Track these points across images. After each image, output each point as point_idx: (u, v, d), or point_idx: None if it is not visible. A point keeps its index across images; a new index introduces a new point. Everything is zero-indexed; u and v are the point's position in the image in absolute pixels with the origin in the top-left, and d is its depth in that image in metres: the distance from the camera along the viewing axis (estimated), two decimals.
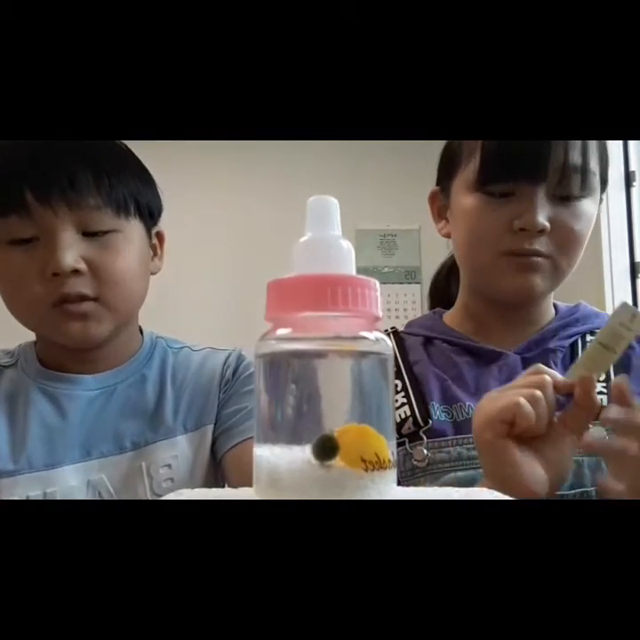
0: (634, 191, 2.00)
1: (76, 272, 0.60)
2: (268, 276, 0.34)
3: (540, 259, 0.63)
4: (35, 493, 0.63)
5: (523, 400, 0.49)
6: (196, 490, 0.37)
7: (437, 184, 0.75)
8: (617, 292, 2.06)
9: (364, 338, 0.32)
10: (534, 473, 0.49)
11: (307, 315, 0.32)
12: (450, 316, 0.77)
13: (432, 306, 0.85)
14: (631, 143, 1.99)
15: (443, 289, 0.84)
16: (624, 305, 0.52)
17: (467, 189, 0.66)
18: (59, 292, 0.60)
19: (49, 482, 0.63)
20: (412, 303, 2.72)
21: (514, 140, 0.60)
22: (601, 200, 0.68)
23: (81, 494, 0.64)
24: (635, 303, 2.09)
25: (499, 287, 0.66)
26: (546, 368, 0.53)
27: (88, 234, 0.61)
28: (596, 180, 0.64)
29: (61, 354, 0.68)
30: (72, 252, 0.60)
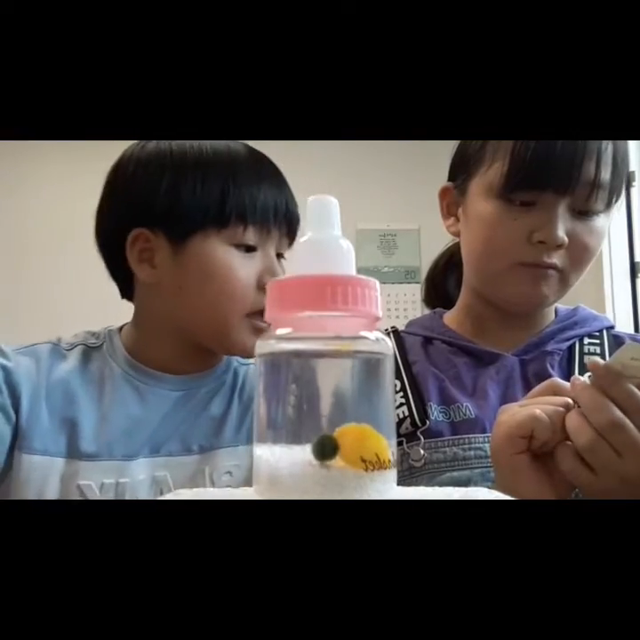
0: (634, 191, 2.00)
1: None
2: None
3: (552, 271, 0.63)
4: (109, 481, 0.64)
5: (540, 413, 0.49)
6: (196, 490, 0.37)
7: (450, 180, 0.73)
8: (617, 291, 2.06)
9: (364, 338, 0.32)
10: (542, 493, 0.50)
11: (307, 315, 0.32)
12: (450, 317, 0.77)
13: (428, 301, 0.85)
14: (631, 143, 1.99)
15: (440, 285, 0.83)
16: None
17: (486, 193, 0.65)
18: (260, 305, 0.64)
19: (123, 472, 0.64)
20: (411, 303, 2.71)
21: (542, 149, 0.60)
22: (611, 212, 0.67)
23: (146, 488, 0.65)
24: (635, 303, 2.09)
25: (508, 295, 0.66)
26: (561, 382, 0.53)
27: (278, 256, 0.68)
28: (615, 198, 0.64)
29: (169, 354, 0.69)
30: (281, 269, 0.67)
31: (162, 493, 0.66)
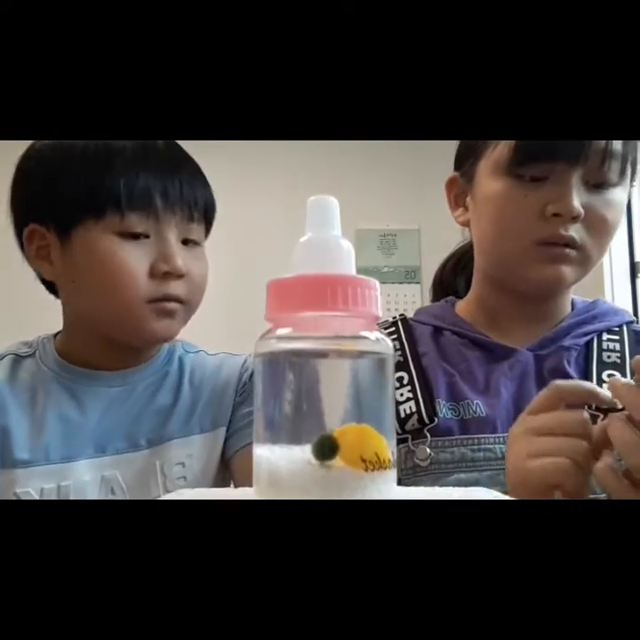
0: (634, 191, 2.00)
1: (180, 276, 0.64)
2: (269, 275, 0.34)
3: (571, 250, 0.60)
4: (49, 486, 0.63)
5: (570, 465, 0.45)
6: (196, 490, 0.37)
7: (456, 169, 0.71)
8: (617, 291, 2.06)
9: (364, 337, 0.32)
10: None
11: (307, 314, 0.32)
12: (462, 307, 0.74)
13: (435, 299, 0.81)
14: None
15: (448, 283, 0.81)
16: None
17: (494, 172, 0.62)
18: (161, 290, 0.64)
19: (64, 475, 0.64)
20: (411, 303, 2.71)
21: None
22: (633, 185, 0.65)
23: (94, 489, 0.65)
24: (634, 303, 2.09)
25: (526, 278, 0.63)
26: (567, 387, 0.49)
27: (186, 242, 0.67)
28: (629, 168, 0.62)
29: (96, 351, 0.68)
30: (180, 256, 0.64)
31: (113, 492, 0.65)
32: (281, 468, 0.30)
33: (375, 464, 0.30)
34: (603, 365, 0.64)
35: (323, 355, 0.32)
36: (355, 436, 0.31)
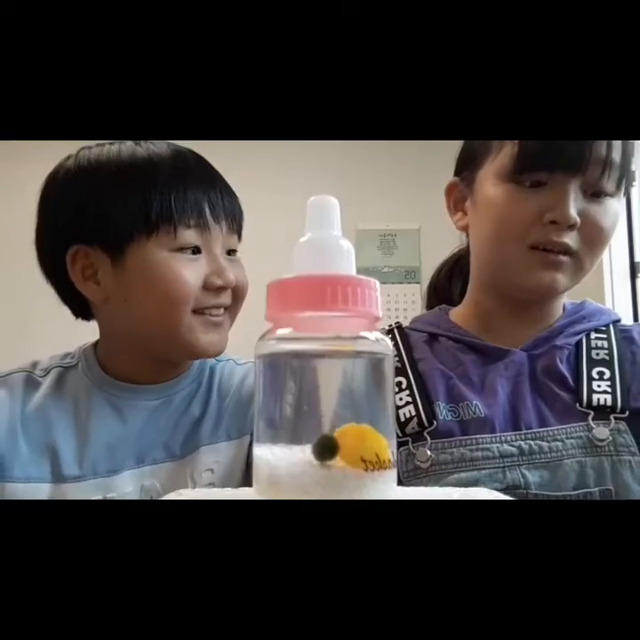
0: (634, 191, 2.00)
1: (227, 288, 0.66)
2: (268, 276, 0.34)
3: (565, 257, 0.62)
4: (96, 498, 0.64)
5: None
6: (197, 490, 0.37)
7: (456, 174, 0.72)
8: (617, 292, 2.05)
9: (364, 338, 0.32)
10: None
11: (307, 315, 0.32)
12: (456, 313, 0.76)
13: (429, 305, 0.83)
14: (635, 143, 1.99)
15: (443, 288, 0.82)
16: None
17: (496, 178, 0.64)
18: (211, 302, 0.65)
19: (109, 487, 0.65)
20: (411, 303, 2.71)
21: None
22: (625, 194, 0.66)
23: (136, 499, 0.65)
24: (634, 303, 2.09)
25: (521, 283, 0.65)
26: None
27: (228, 253, 0.68)
28: (625, 179, 0.63)
29: (137, 366, 0.69)
30: (228, 268, 0.65)
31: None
32: (281, 468, 0.30)
33: (375, 464, 0.30)
34: (592, 363, 0.66)
35: (323, 355, 0.32)
36: (355, 437, 0.31)
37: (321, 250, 0.33)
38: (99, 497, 0.64)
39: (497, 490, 0.48)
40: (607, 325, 0.71)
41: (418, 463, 0.63)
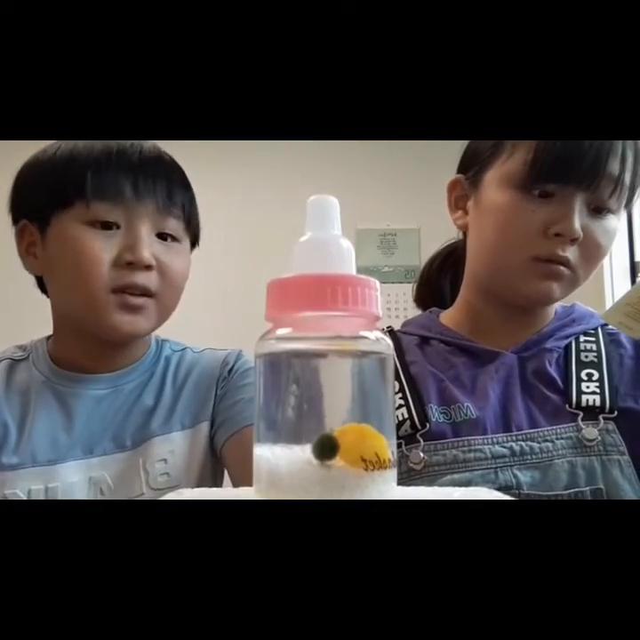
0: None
1: (148, 267, 0.64)
2: (268, 275, 0.34)
3: (564, 268, 0.63)
4: (37, 487, 0.64)
5: None
6: (197, 489, 0.37)
7: (460, 172, 0.72)
8: (617, 291, 2.05)
9: (365, 337, 0.32)
10: None
11: (307, 314, 0.32)
12: (447, 316, 0.76)
13: (419, 302, 0.84)
14: None
15: (434, 285, 0.83)
16: None
17: (504, 183, 0.64)
18: (125, 280, 0.64)
19: (51, 477, 0.65)
20: (411, 303, 2.71)
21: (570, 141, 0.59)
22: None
23: (82, 490, 0.66)
24: None
25: (518, 290, 0.66)
26: None
27: (161, 236, 0.67)
28: (631, 198, 0.65)
29: (80, 351, 0.69)
30: (149, 247, 0.64)
31: (102, 493, 0.66)
32: (281, 468, 0.30)
33: (375, 464, 0.30)
34: (581, 365, 0.67)
35: (323, 355, 0.32)
36: (355, 436, 0.31)
37: (321, 249, 0.33)
38: (40, 486, 0.64)
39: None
40: (596, 328, 0.72)
41: (411, 465, 0.64)
